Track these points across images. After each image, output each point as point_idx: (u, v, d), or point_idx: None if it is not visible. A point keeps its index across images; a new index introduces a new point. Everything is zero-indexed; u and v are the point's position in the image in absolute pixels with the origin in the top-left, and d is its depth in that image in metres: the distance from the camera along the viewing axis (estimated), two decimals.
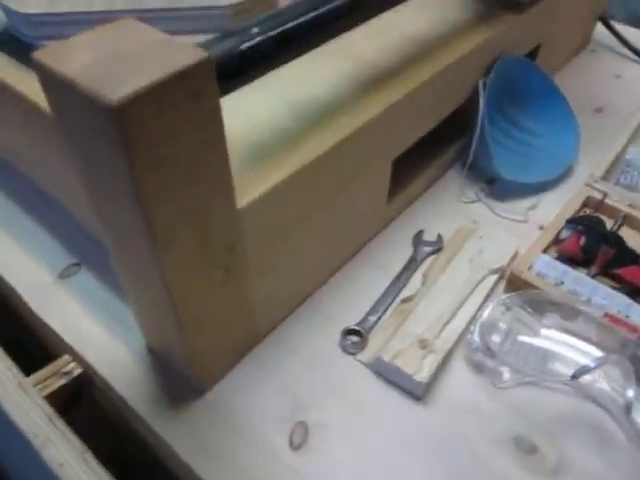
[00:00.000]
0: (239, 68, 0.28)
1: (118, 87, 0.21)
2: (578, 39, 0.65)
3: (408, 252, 0.45)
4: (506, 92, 0.51)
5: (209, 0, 0.39)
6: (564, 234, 0.43)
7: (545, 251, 0.43)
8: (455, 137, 0.51)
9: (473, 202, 0.49)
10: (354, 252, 0.44)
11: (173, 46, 0.24)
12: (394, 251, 0.45)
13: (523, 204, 0.49)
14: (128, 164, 0.23)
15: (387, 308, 0.41)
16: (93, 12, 0.39)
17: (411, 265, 0.44)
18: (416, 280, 0.43)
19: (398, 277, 0.43)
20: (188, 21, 0.39)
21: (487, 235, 0.45)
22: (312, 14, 0.30)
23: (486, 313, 0.38)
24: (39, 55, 0.24)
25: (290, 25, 0.29)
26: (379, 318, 0.40)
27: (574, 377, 0.34)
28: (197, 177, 0.26)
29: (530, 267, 0.41)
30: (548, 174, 0.50)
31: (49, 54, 0.24)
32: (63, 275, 0.43)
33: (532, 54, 0.55)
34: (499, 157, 0.48)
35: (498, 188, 0.50)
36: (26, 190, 0.49)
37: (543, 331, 0.39)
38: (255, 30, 0.28)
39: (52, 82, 0.23)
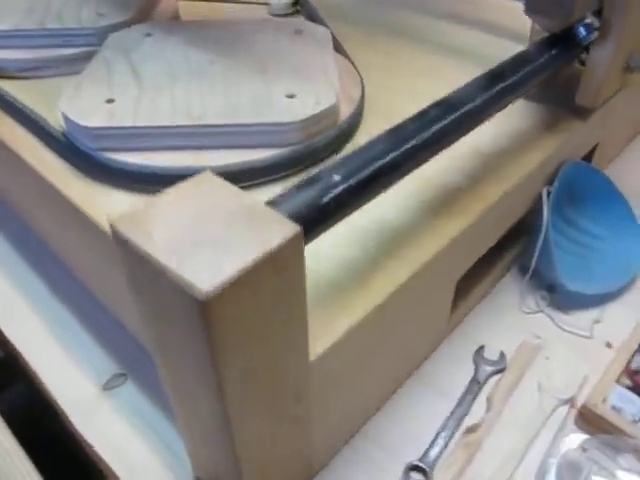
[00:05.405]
0: (321, 219, 0.26)
1: (207, 276, 0.20)
2: (631, 129, 0.63)
3: (468, 370, 0.42)
4: (565, 194, 0.49)
5: (273, 116, 0.38)
6: (637, 360, 0.41)
7: (617, 379, 0.40)
8: (513, 241, 0.49)
9: (535, 313, 0.47)
10: (411, 372, 0.42)
11: (261, 216, 0.22)
12: (453, 370, 0.42)
13: (587, 316, 0.46)
14: (210, 349, 0.21)
15: (450, 438, 0.38)
16: (155, 127, 0.38)
17: (473, 387, 0.41)
18: (479, 404, 0.40)
19: (460, 402, 0.40)
20: (252, 136, 0.38)
21: (553, 355, 0.43)
22: (393, 154, 0.29)
23: (562, 456, 0.35)
24: (118, 224, 0.22)
25: (372, 169, 0.28)
26: (442, 450, 0.38)
27: None
28: (275, 343, 0.24)
29: (604, 399, 0.39)
30: (613, 284, 0.48)
31: (129, 223, 0.22)
32: (107, 386, 0.41)
33: (589, 152, 0.53)
34: (561, 263, 0.46)
35: (560, 297, 0.48)
36: (75, 290, 0.48)
37: (619, 473, 0.36)
38: (336, 178, 0.27)
39: (132, 256, 0.22)
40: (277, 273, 0.22)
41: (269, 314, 0.23)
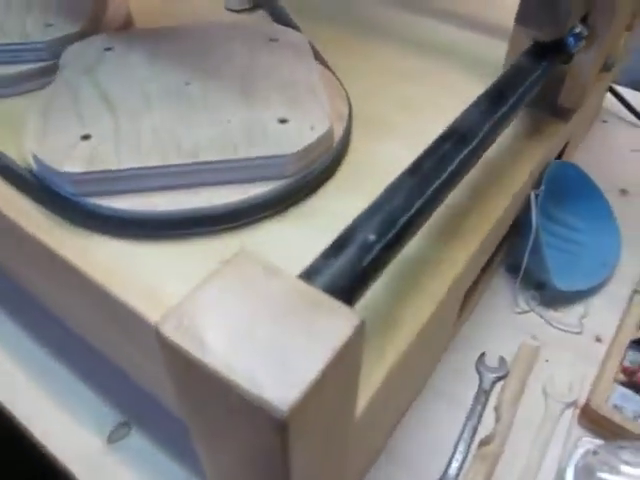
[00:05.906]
0: (363, 284, 0.25)
1: (281, 391, 0.18)
2: (593, 115, 0.65)
3: (471, 376, 0.43)
4: (549, 193, 0.50)
5: (271, 147, 0.36)
6: (630, 357, 0.43)
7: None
8: (502, 243, 0.50)
9: (526, 313, 0.48)
10: (424, 385, 0.42)
11: (318, 307, 0.21)
12: (458, 378, 0.43)
13: (574, 311, 0.48)
14: (282, 458, 0.20)
15: (467, 451, 0.39)
16: (145, 167, 0.35)
17: (480, 397, 0.42)
18: (490, 411, 0.41)
19: (471, 413, 0.41)
20: (248, 170, 0.36)
21: (550, 355, 0.44)
22: (420, 201, 0.28)
23: (576, 462, 0.37)
24: (165, 329, 0.20)
25: (404, 220, 0.27)
26: (461, 465, 0.39)
27: None
28: (332, 421, 0.24)
29: (606, 400, 0.40)
30: (597, 278, 0.50)
31: (176, 326, 0.20)
32: (112, 439, 0.39)
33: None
34: (552, 263, 0.47)
35: (547, 294, 0.49)
36: (58, 334, 0.44)
37: (623, 468, 0.39)
38: (372, 237, 0.26)
39: (186, 367, 0.20)
40: (342, 365, 0.21)
41: (331, 402, 0.22)
